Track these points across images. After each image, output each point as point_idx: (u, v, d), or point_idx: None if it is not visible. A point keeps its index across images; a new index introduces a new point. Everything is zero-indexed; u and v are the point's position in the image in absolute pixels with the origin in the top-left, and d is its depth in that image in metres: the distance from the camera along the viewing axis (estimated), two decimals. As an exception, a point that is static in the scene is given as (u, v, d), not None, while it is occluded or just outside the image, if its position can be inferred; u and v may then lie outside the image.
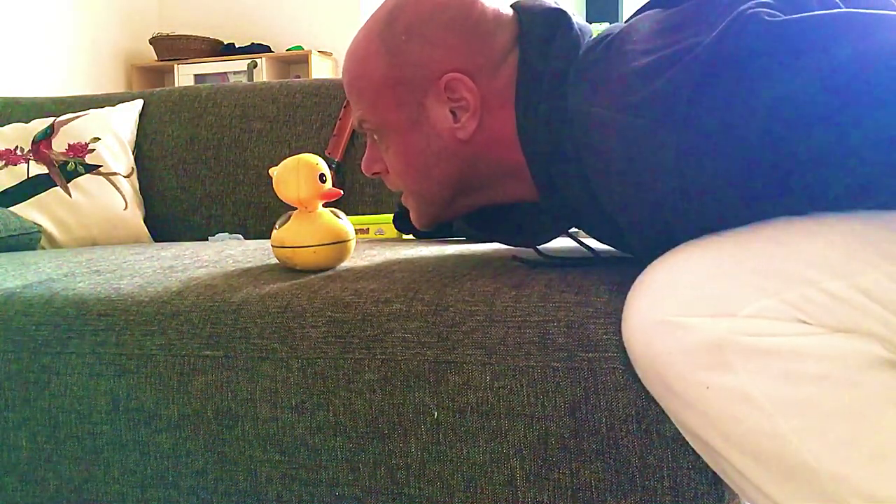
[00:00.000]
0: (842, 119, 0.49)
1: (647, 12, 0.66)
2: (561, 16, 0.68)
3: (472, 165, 0.71)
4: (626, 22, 0.68)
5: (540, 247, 0.83)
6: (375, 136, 0.74)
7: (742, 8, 0.53)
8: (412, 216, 0.79)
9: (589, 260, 0.73)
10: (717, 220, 0.56)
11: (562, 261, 0.73)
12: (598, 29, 0.71)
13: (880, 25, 0.50)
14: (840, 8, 0.53)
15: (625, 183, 0.59)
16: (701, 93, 0.53)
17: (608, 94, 0.60)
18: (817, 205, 0.53)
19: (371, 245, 1.03)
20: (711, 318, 0.50)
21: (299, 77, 3.74)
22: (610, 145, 0.59)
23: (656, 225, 0.59)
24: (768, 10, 0.52)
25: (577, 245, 0.80)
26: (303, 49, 3.68)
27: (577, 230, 0.92)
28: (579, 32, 0.68)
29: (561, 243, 0.96)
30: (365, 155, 0.78)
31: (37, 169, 1.44)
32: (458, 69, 0.68)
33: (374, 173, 0.77)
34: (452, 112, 0.69)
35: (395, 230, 1.17)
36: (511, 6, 0.72)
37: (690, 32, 0.56)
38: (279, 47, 3.81)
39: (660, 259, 0.56)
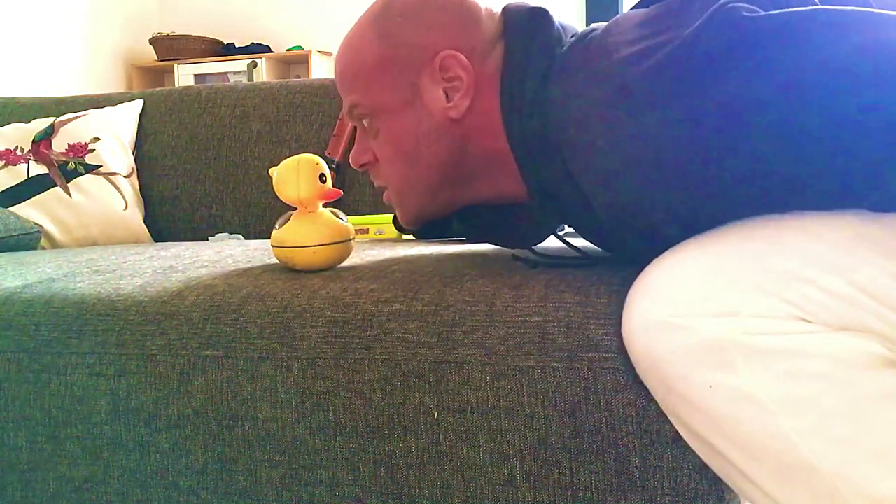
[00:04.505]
0: (809, 120, 0.49)
1: (630, 11, 0.67)
2: (543, 14, 0.71)
3: (461, 150, 0.72)
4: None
5: (539, 248, 0.83)
6: (365, 122, 0.75)
7: (721, 3, 0.53)
8: (397, 211, 0.79)
9: (589, 260, 0.73)
10: (699, 213, 0.56)
11: (561, 261, 0.73)
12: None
13: (855, 25, 0.50)
14: (817, 5, 0.53)
15: (605, 175, 0.59)
16: (676, 86, 0.54)
17: (587, 87, 0.61)
18: (795, 202, 0.53)
19: (371, 245, 1.03)
20: (713, 318, 0.51)
21: (299, 77, 3.74)
22: (589, 138, 0.60)
23: (639, 220, 0.59)
24: (747, 6, 0.53)
25: (569, 248, 0.80)
26: (303, 49, 3.68)
27: (569, 231, 0.92)
28: (561, 29, 0.70)
29: (560, 245, 0.96)
30: (354, 147, 0.78)
31: (37, 169, 1.44)
32: (454, 48, 0.70)
33: (362, 165, 0.78)
34: (445, 93, 0.71)
35: (395, 230, 1.17)
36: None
37: (670, 25, 0.57)
38: (279, 47, 3.80)
39: (658, 259, 0.56)
